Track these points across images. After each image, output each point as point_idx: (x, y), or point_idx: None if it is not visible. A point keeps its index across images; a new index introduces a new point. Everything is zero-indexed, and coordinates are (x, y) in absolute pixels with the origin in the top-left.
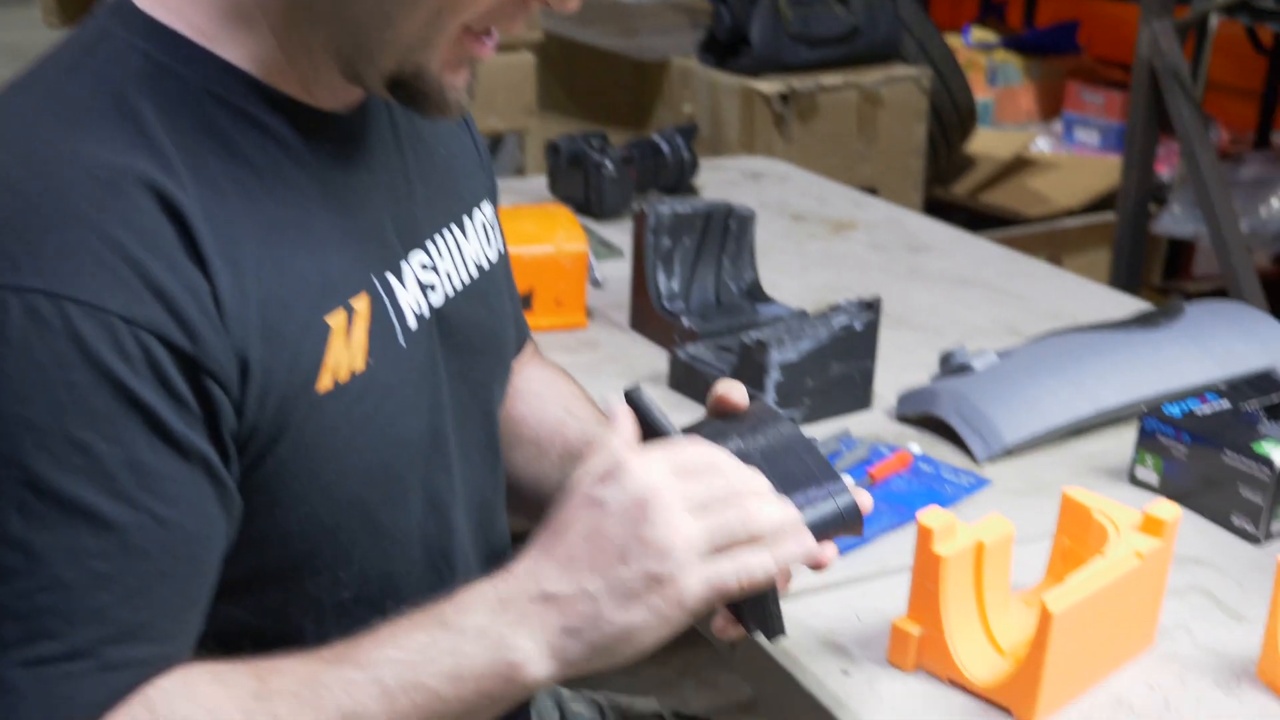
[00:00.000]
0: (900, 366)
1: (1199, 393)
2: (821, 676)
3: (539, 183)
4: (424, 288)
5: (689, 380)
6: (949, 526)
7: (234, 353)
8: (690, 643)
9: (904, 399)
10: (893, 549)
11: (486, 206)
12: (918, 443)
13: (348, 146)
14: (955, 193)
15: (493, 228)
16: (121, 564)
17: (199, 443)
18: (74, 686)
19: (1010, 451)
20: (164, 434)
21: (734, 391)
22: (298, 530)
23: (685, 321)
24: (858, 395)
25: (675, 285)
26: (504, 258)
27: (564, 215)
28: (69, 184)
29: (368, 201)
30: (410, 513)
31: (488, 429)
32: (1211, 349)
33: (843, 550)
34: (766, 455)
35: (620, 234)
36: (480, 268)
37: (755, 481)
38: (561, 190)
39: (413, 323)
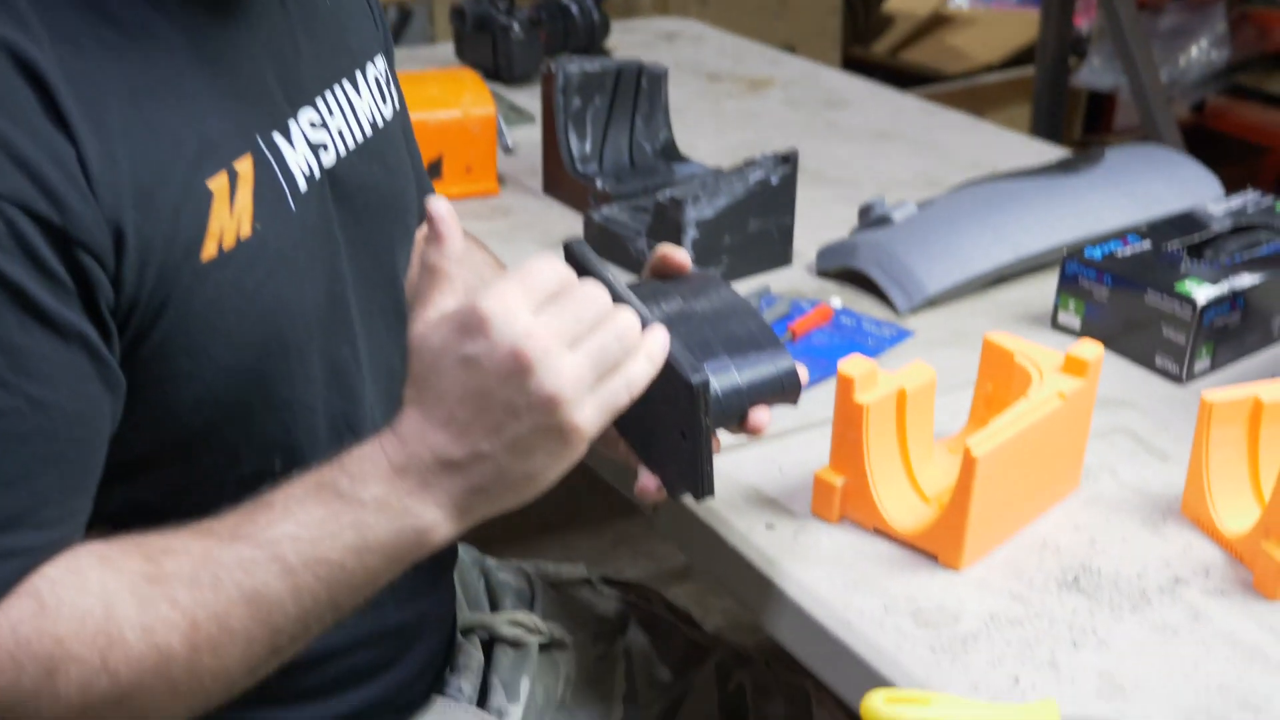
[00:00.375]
0: (819, 222)
1: (1120, 235)
2: (746, 533)
3: (446, 49)
4: (314, 147)
5: (605, 242)
6: (870, 374)
7: (106, 222)
8: (624, 513)
9: (823, 253)
10: (815, 403)
11: (380, 61)
12: (839, 297)
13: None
14: (875, 51)
15: (387, 84)
16: None
17: (74, 320)
18: None
19: (933, 302)
20: (36, 313)
21: (677, 253)
22: (191, 405)
23: (599, 184)
24: (777, 251)
25: (587, 147)
26: (401, 116)
27: (471, 79)
28: None
29: (247, 58)
30: (311, 384)
31: (393, 295)
32: (1133, 192)
33: None
34: (709, 318)
35: (530, 99)
36: (374, 125)
37: (601, 291)
38: (469, 56)
39: (302, 184)
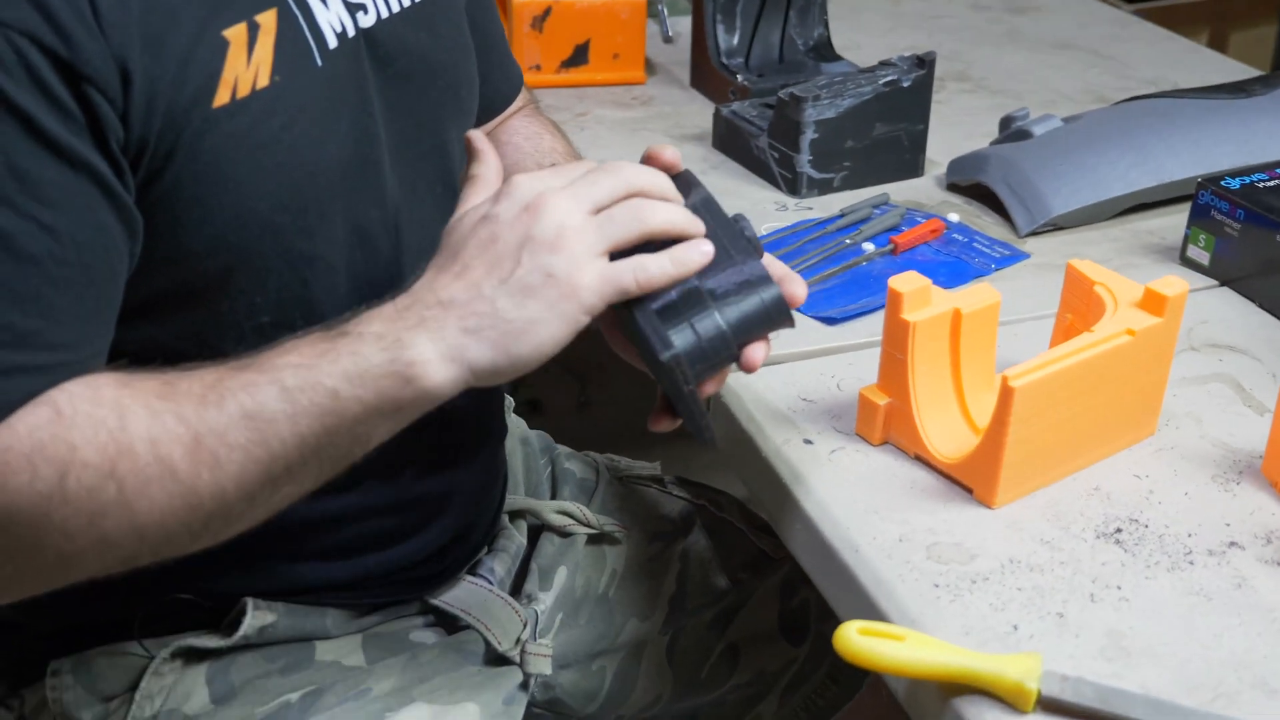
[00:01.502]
0: (966, 133)
1: (1271, 166)
2: (781, 445)
3: None
4: (351, 7)
5: (730, 138)
6: (921, 291)
7: (113, 59)
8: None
9: (954, 165)
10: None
11: None
12: (961, 213)
13: None
14: None
15: None
16: (9, 269)
17: (84, 150)
18: None
19: (1059, 226)
20: (45, 140)
21: (666, 151)
22: (205, 250)
23: (740, 78)
24: (906, 160)
25: (734, 40)
26: None
27: None
28: None
29: None
30: (332, 241)
31: (441, 166)
32: None
33: (840, 319)
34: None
35: None
36: None
37: (651, 179)
38: None
39: (332, 40)
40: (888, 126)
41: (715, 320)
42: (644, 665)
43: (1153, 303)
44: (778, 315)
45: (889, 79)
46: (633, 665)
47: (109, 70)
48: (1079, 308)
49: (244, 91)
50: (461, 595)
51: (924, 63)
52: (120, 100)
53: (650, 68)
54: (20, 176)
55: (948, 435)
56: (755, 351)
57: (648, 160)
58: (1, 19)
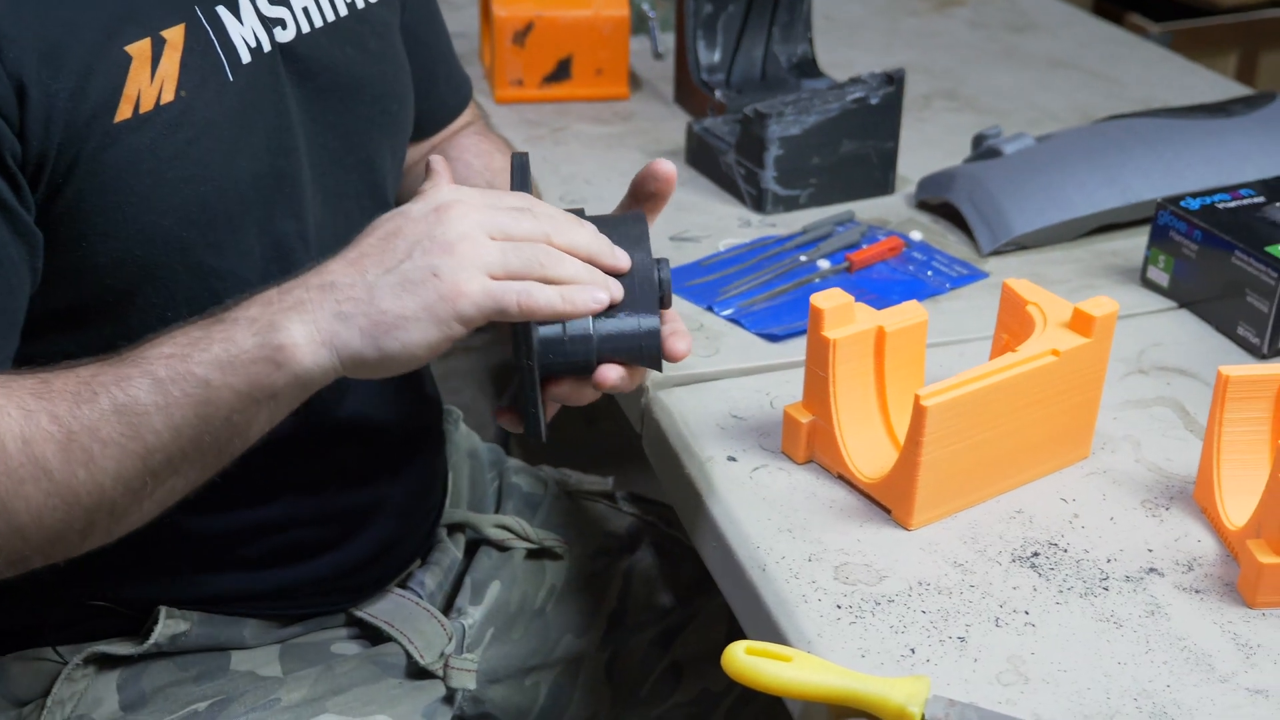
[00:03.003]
0: (945, 151)
1: (1235, 188)
2: (705, 461)
3: None
4: (268, 22)
5: (700, 154)
6: (844, 308)
7: (7, 75)
8: None
9: (923, 184)
10: None
11: None
12: (925, 231)
13: None
14: None
15: None
16: None
17: None
18: None
19: (1023, 245)
20: None
21: (664, 165)
22: (110, 264)
23: (718, 94)
24: (875, 178)
25: (716, 56)
26: (398, 4)
27: None
28: None
29: None
30: (246, 255)
31: (369, 181)
32: None
33: (781, 336)
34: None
35: None
36: (352, 6)
37: (576, 236)
38: None
39: (245, 55)
40: (856, 143)
41: (587, 324)
42: (580, 681)
43: (1081, 323)
44: (648, 348)
45: (857, 96)
46: (568, 681)
47: (3, 86)
48: (1013, 327)
49: (147, 106)
50: (387, 607)
51: (893, 80)
52: (16, 116)
53: (638, 83)
54: None
55: (871, 455)
56: (610, 371)
57: (648, 173)
58: None
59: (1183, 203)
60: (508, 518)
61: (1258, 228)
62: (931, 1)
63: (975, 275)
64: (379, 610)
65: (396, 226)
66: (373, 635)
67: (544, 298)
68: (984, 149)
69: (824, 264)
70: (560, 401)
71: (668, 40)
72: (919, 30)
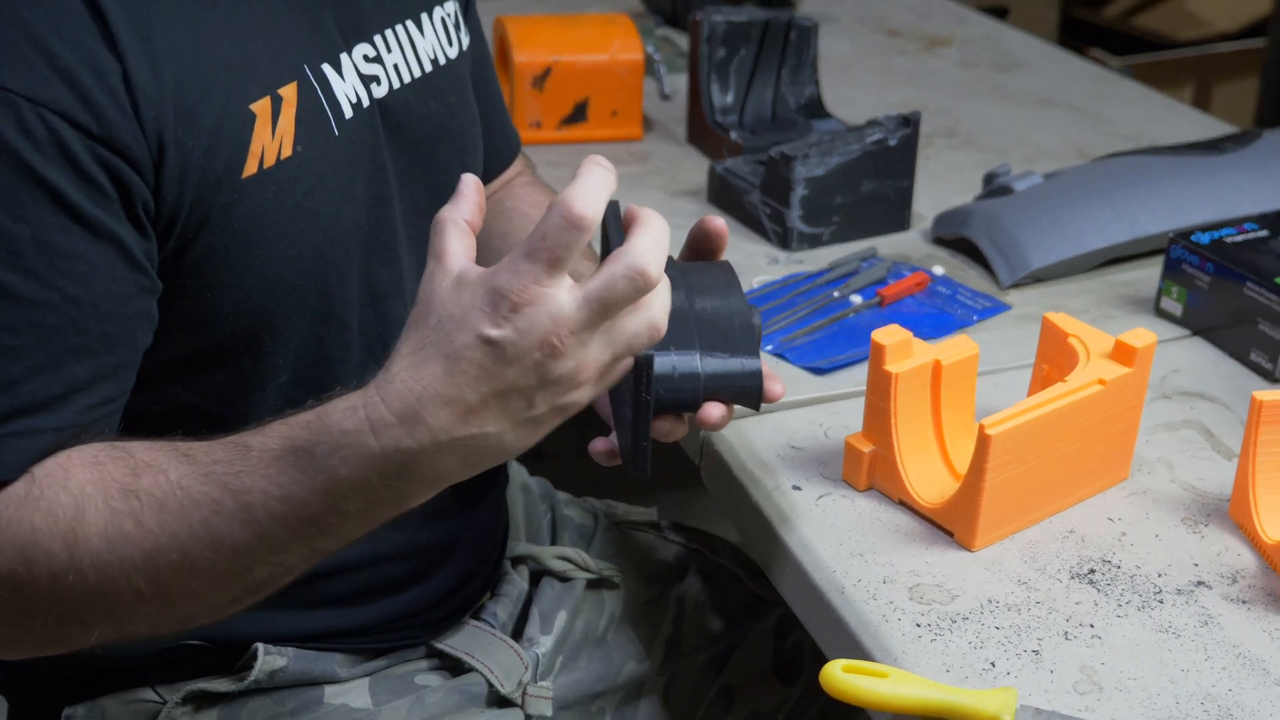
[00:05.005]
0: (953, 188)
1: (1239, 222)
2: (771, 490)
3: None
4: (365, 79)
5: (723, 194)
6: (903, 344)
7: (147, 134)
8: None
9: (940, 220)
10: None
11: (450, 5)
12: (946, 265)
13: None
14: (1105, 15)
15: (456, 26)
16: (32, 339)
17: (111, 223)
18: None
19: (1040, 278)
20: (73, 213)
21: (715, 222)
22: (233, 313)
23: (734, 135)
24: (893, 215)
25: (729, 98)
26: (471, 60)
27: (623, 23)
28: None
29: None
30: (348, 302)
31: None
32: (1279, 178)
33: (828, 369)
34: (699, 303)
35: None
36: (435, 62)
37: (653, 260)
38: (651, 2)
39: (348, 111)
40: (875, 183)
41: (695, 362)
42: (641, 706)
43: (1123, 354)
44: (751, 388)
45: (876, 138)
46: (630, 706)
47: (141, 145)
48: (1054, 358)
49: (270, 162)
50: (465, 639)
51: (909, 122)
52: (153, 174)
53: (647, 124)
54: (47, 249)
55: (930, 481)
56: (714, 409)
57: (701, 230)
58: (35, 97)
59: (1193, 237)
60: (568, 549)
61: (1265, 260)
62: (920, 42)
63: (999, 308)
64: (458, 642)
65: (497, 371)
66: (452, 666)
67: (629, 364)
68: (995, 186)
69: (856, 299)
70: (657, 437)
71: (673, 81)
72: (911, 70)
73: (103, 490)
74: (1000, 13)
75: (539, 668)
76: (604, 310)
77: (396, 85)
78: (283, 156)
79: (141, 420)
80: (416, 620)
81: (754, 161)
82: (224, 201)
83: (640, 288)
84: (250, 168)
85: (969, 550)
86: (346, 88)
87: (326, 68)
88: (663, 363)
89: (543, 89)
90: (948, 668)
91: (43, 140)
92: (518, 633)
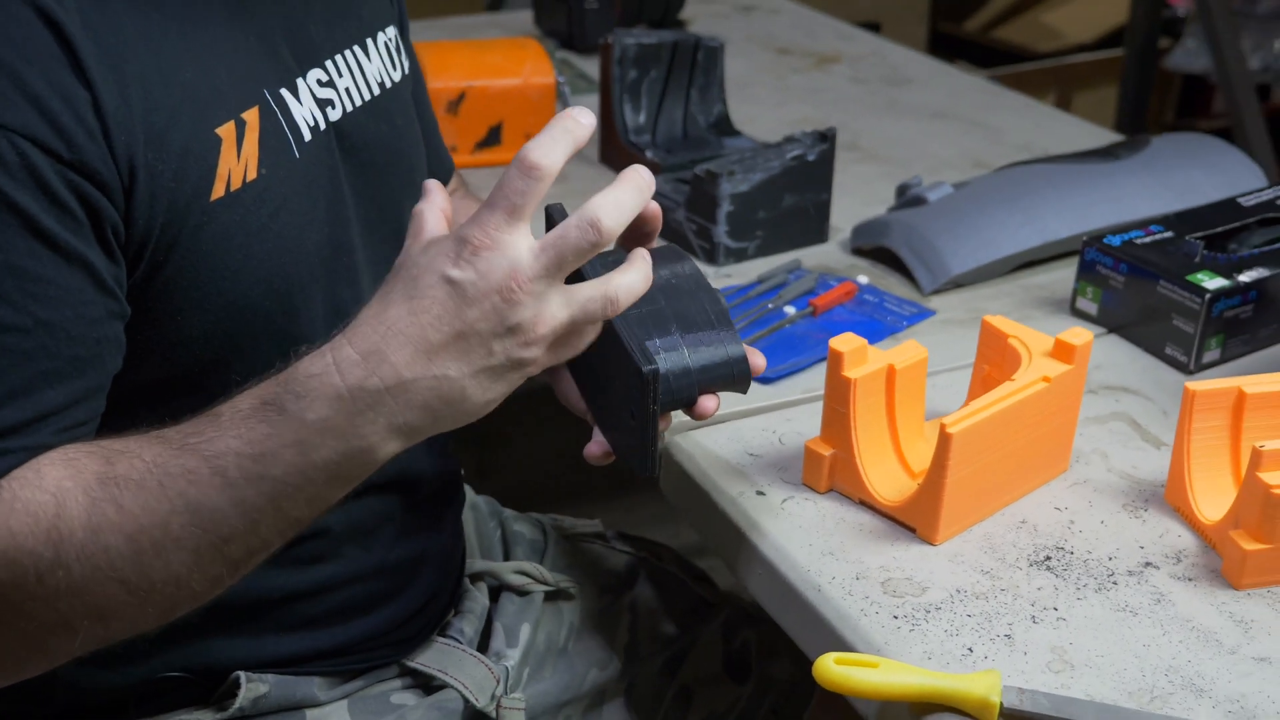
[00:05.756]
0: (863, 199)
1: (1145, 224)
2: (736, 496)
3: (523, 16)
4: (320, 103)
5: None
6: (859, 350)
7: (118, 160)
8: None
9: (858, 231)
10: (819, 377)
11: (390, 30)
12: (868, 275)
13: None
14: (966, 28)
15: (398, 50)
16: (4, 363)
17: (81, 247)
18: None
19: (958, 283)
20: (44, 239)
21: (650, 209)
22: (202, 336)
23: (649, 154)
24: (812, 228)
25: (641, 118)
26: (410, 80)
27: (533, 48)
28: None
29: (263, 19)
30: (313, 322)
31: (398, 247)
32: (1171, 181)
33: (773, 378)
34: (667, 291)
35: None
36: (383, 85)
37: (610, 215)
38: (546, 24)
39: (307, 134)
40: (796, 197)
41: (685, 359)
42: (605, 712)
43: (1063, 352)
44: (740, 372)
45: (795, 153)
46: (595, 713)
47: (111, 170)
48: (995, 359)
49: (236, 185)
50: (436, 655)
51: (826, 138)
52: (123, 199)
53: None
54: (18, 274)
55: (887, 480)
56: (709, 401)
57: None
58: (6, 123)
59: (1105, 240)
60: (525, 564)
61: (1174, 260)
62: (810, 59)
63: (924, 313)
64: (429, 659)
65: (458, 310)
66: (424, 683)
67: (590, 337)
68: (909, 197)
69: (790, 310)
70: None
71: (583, 102)
72: (806, 86)
73: (80, 483)
74: (873, 28)
75: (509, 680)
76: (559, 260)
77: (349, 109)
78: (248, 179)
79: None
80: (388, 639)
81: (674, 179)
82: (193, 224)
83: (592, 240)
84: (218, 190)
85: (931, 544)
86: (304, 111)
87: (284, 92)
88: (662, 360)
89: (457, 113)
90: (929, 655)
91: (13, 165)
92: (483, 647)
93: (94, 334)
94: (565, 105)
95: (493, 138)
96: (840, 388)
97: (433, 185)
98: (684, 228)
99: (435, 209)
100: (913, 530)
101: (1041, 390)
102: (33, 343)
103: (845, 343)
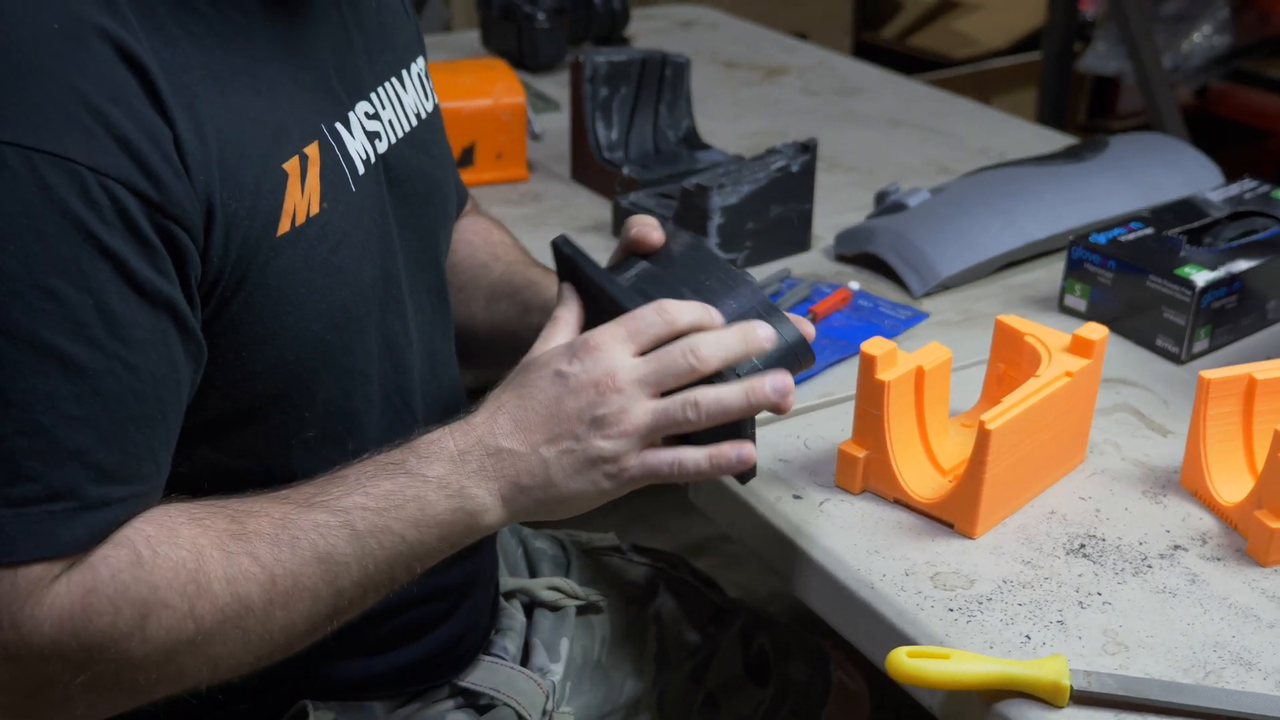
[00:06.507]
0: (836, 207)
1: (1124, 222)
2: (774, 503)
3: (470, 37)
4: (369, 135)
5: None
6: (890, 354)
7: (198, 198)
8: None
9: (841, 238)
10: (835, 380)
11: (420, 60)
12: (856, 280)
13: None
14: (884, 36)
15: (426, 79)
16: (95, 408)
17: (166, 290)
18: (57, 525)
19: (945, 286)
20: (133, 282)
21: (651, 232)
22: (264, 371)
23: (626, 170)
24: (797, 237)
25: (614, 135)
26: (439, 110)
27: (501, 68)
28: (25, 36)
29: (313, 51)
30: (368, 354)
31: (436, 276)
32: (1135, 180)
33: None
34: (708, 295)
35: (554, 86)
36: (419, 116)
37: (713, 346)
38: (495, 44)
39: (360, 168)
40: (781, 207)
41: (752, 360)
42: None
43: (1081, 347)
44: (803, 353)
45: (780, 165)
46: None
47: (194, 209)
48: (1010, 357)
49: (300, 220)
50: (486, 674)
51: (807, 148)
52: (202, 236)
53: (529, 165)
54: (109, 318)
55: (921, 479)
56: (787, 388)
57: (637, 240)
58: (97, 166)
59: (1092, 238)
60: (557, 579)
61: (1161, 254)
62: (759, 72)
63: (919, 316)
64: (479, 678)
65: (559, 396)
66: (474, 701)
67: (693, 464)
68: (889, 204)
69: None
70: None
71: (541, 121)
72: (759, 99)
73: (214, 540)
74: (800, 38)
75: (556, 695)
76: (657, 373)
77: (394, 140)
78: (311, 214)
79: (169, 483)
80: (441, 660)
81: (657, 194)
82: (261, 260)
83: (690, 365)
84: (284, 226)
85: (970, 538)
86: (357, 145)
87: (339, 126)
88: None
89: None
90: (990, 644)
91: (106, 210)
92: (523, 663)
93: (176, 375)
94: (530, 125)
95: (465, 159)
96: (874, 391)
97: (567, 294)
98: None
99: (572, 318)
100: (950, 525)
101: (1065, 385)
102: (121, 386)
103: (877, 347)
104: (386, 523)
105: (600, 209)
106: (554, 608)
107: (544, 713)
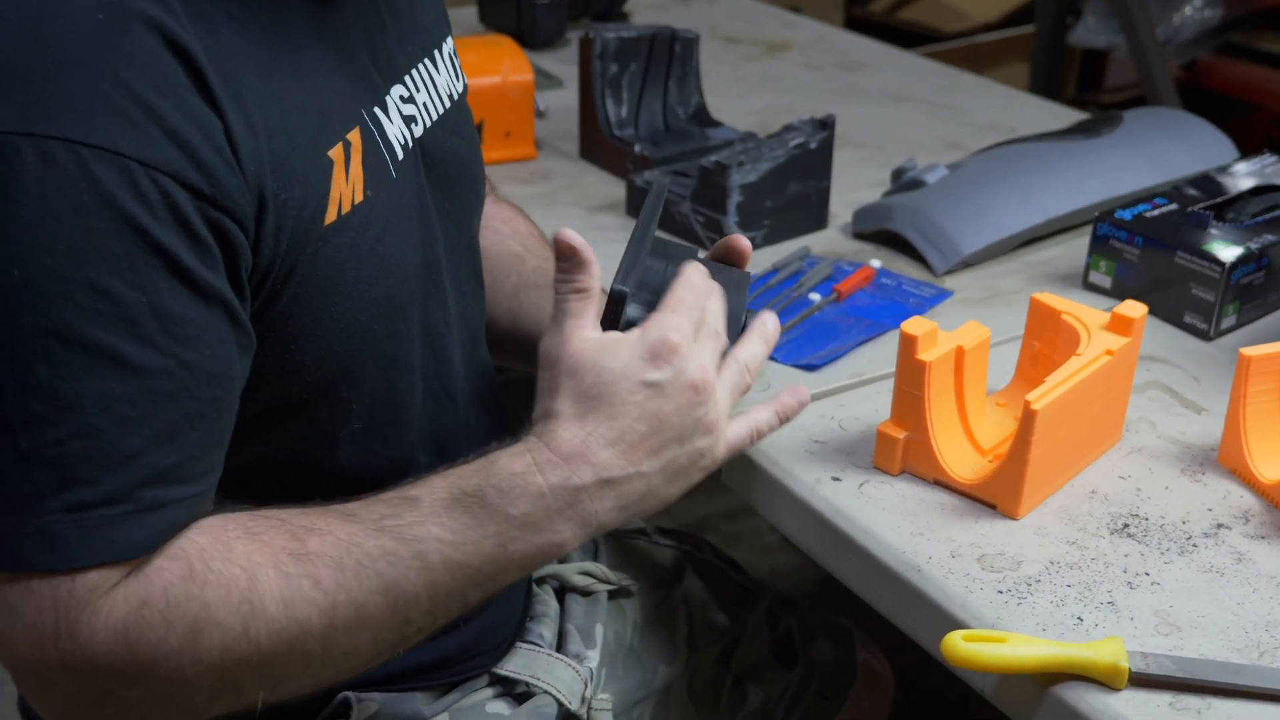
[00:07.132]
0: (850, 184)
1: (1147, 197)
2: (813, 484)
3: (468, 13)
4: (406, 119)
5: None
6: (930, 334)
7: (250, 190)
8: None
9: (859, 215)
10: (866, 360)
11: (449, 41)
12: (876, 258)
13: None
14: (874, 10)
15: (455, 59)
16: (150, 408)
17: (219, 285)
18: (114, 529)
19: (967, 263)
20: (186, 278)
21: (742, 243)
22: (313, 363)
23: (637, 148)
24: (814, 215)
25: (624, 112)
26: (467, 91)
27: (508, 45)
28: (68, 27)
29: (348, 36)
30: (411, 343)
31: (472, 261)
32: (1151, 155)
33: (819, 364)
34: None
35: (555, 63)
36: (450, 98)
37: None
38: (493, 21)
39: (400, 153)
40: (799, 184)
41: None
42: (671, 706)
43: (1120, 325)
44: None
45: (798, 142)
46: (662, 709)
47: (246, 201)
48: (1046, 335)
49: (346, 208)
50: (524, 662)
51: (825, 125)
52: (253, 228)
53: (536, 143)
54: (162, 316)
55: (961, 459)
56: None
57: (726, 248)
58: (146, 160)
59: (1117, 214)
60: (588, 564)
61: (1187, 230)
62: (760, 47)
63: (944, 294)
64: (517, 666)
65: (657, 409)
66: (511, 689)
67: (767, 425)
68: (906, 180)
69: (815, 296)
70: None
71: (544, 98)
72: (762, 74)
73: (270, 558)
74: (794, 11)
75: (594, 681)
76: (739, 374)
77: (429, 124)
78: (356, 201)
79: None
80: (480, 648)
81: (671, 172)
82: (310, 251)
83: (749, 382)
84: (330, 215)
85: (1013, 519)
86: (395, 130)
87: (378, 111)
88: None
89: None
90: (1043, 627)
91: (157, 204)
92: (559, 650)
93: (229, 372)
94: (534, 103)
95: None
96: (914, 371)
97: (585, 253)
98: (690, 220)
99: (594, 287)
100: (992, 506)
101: (1106, 363)
102: (176, 385)
103: (917, 327)
104: (462, 557)
105: (610, 187)
106: (585, 593)
107: (583, 700)
